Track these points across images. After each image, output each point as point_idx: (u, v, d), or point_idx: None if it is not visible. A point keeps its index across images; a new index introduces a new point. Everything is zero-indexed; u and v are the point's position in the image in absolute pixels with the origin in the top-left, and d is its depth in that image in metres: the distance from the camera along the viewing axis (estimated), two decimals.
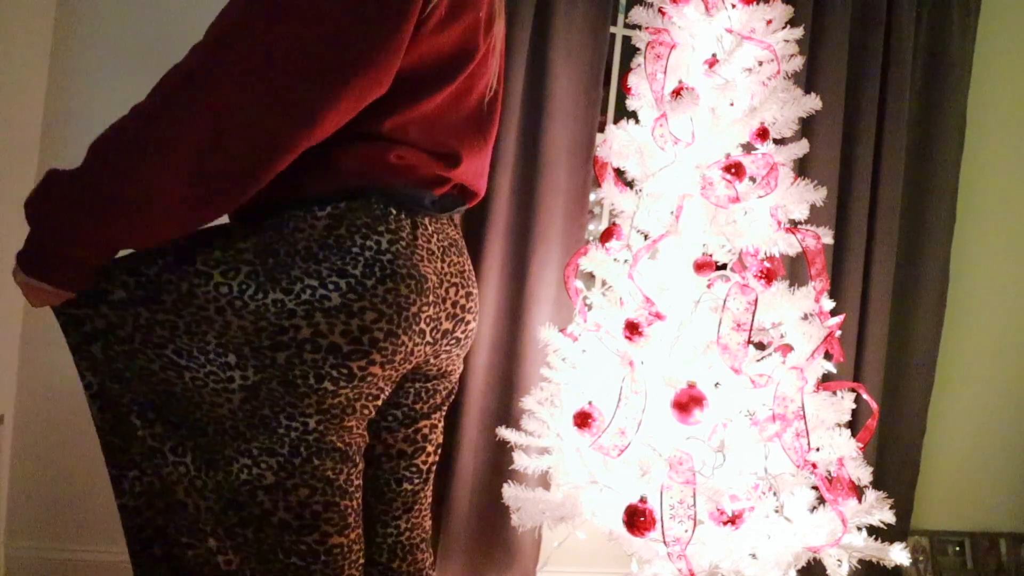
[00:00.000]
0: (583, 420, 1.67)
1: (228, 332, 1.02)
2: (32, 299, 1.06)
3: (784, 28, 1.82)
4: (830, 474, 1.69)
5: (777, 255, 1.73)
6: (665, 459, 1.57)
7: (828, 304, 1.81)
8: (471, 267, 1.24)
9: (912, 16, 2.50)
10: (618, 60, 2.58)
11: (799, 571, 1.69)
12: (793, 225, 1.80)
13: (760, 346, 1.76)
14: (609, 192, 1.90)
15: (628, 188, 1.90)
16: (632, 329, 1.68)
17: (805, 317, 1.74)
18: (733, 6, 1.80)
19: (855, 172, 2.49)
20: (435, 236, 1.13)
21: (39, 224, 0.98)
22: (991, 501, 2.78)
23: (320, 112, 0.96)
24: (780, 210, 1.76)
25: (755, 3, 1.81)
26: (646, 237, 1.83)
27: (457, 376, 1.31)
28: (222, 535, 1.09)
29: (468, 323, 1.21)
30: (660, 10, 1.83)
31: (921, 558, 2.65)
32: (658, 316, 1.67)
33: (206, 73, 0.92)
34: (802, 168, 2.39)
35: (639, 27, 1.86)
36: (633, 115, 1.90)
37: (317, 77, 0.94)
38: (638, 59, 1.85)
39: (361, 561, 1.13)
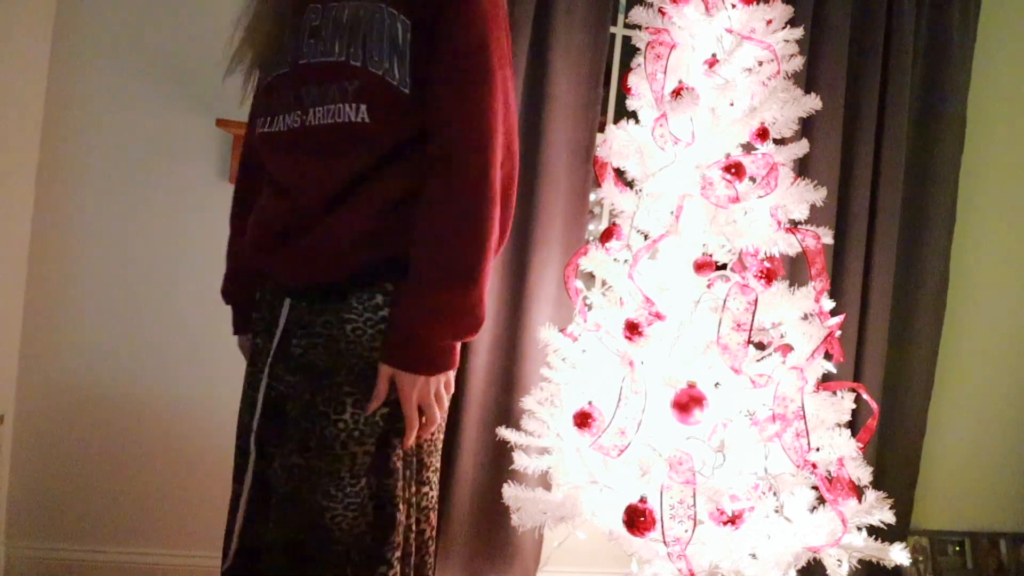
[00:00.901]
0: (583, 420, 1.67)
1: None
2: (439, 404, 1.16)
3: (784, 28, 1.82)
4: (830, 474, 1.69)
5: (777, 255, 1.73)
6: (665, 459, 1.57)
7: (828, 304, 1.81)
8: None
9: (912, 16, 2.50)
10: (618, 60, 2.58)
11: (799, 571, 1.69)
12: (793, 225, 1.80)
13: (760, 346, 1.76)
14: (609, 192, 1.90)
15: (628, 188, 1.90)
16: (632, 329, 1.68)
17: (805, 317, 1.74)
18: (733, 6, 1.80)
19: (855, 172, 2.49)
20: None
21: (443, 339, 1.12)
22: (991, 501, 2.77)
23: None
24: (780, 210, 1.75)
25: (755, 3, 1.81)
26: (646, 237, 1.83)
27: None
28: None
29: None
30: (660, 10, 1.83)
31: (921, 558, 2.65)
32: (658, 316, 1.67)
33: (491, 148, 1.10)
34: (802, 168, 2.39)
35: (639, 27, 1.85)
36: (633, 115, 1.90)
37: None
38: (638, 59, 1.85)
39: None
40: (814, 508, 1.73)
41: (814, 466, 1.61)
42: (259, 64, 1.20)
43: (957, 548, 2.70)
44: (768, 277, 1.71)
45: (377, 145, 1.10)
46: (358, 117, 1.07)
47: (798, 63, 1.82)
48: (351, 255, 1.13)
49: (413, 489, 1.21)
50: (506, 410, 2.31)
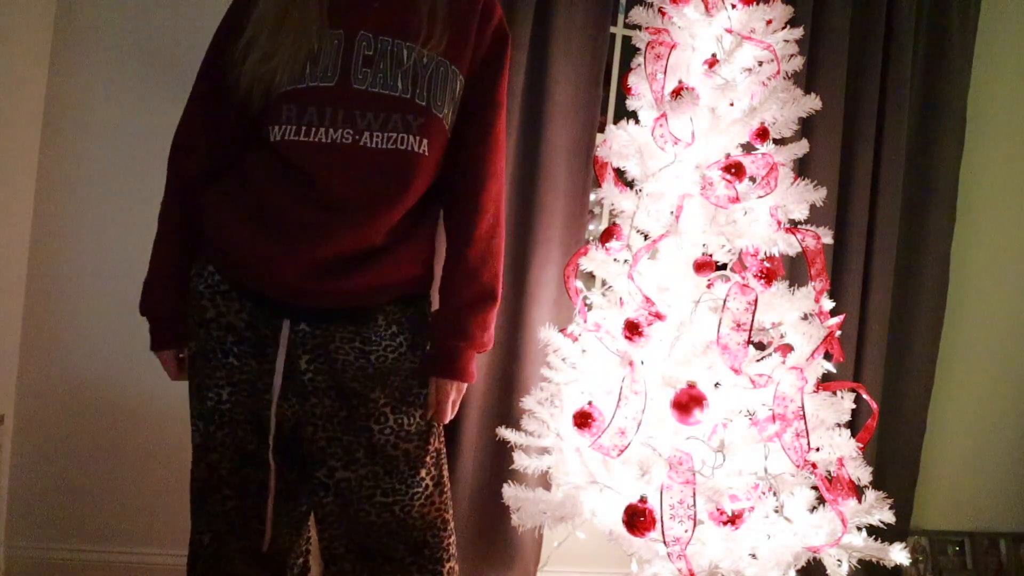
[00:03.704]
0: (583, 420, 1.67)
1: None
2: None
3: (784, 28, 1.82)
4: (830, 474, 1.69)
5: (777, 255, 1.73)
6: (665, 459, 1.58)
7: (828, 304, 1.81)
8: None
9: (912, 16, 2.50)
10: (618, 60, 2.58)
11: (799, 571, 1.69)
12: (793, 225, 1.80)
13: (760, 346, 1.76)
14: (609, 192, 1.90)
15: (628, 188, 1.90)
16: (632, 329, 1.68)
17: (805, 317, 1.74)
18: (733, 6, 1.80)
19: (855, 172, 2.49)
20: None
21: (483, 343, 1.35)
22: (991, 501, 2.77)
23: None
24: (780, 210, 1.75)
25: (755, 3, 1.81)
26: (646, 237, 1.83)
27: None
28: None
29: None
30: (660, 10, 1.83)
31: (921, 558, 2.65)
32: (658, 316, 1.67)
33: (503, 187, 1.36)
34: (802, 168, 2.39)
35: (639, 27, 1.85)
36: (633, 115, 1.90)
37: None
38: (638, 59, 1.85)
39: None
40: (814, 508, 1.73)
41: (814, 466, 1.61)
42: (275, 77, 1.19)
43: (957, 548, 2.70)
44: (768, 277, 1.71)
45: (430, 176, 1.26)
46: (420, 149, 1.21)
47: (798, 63, 1.82)
48: (410, 279, 1.33)
49: None
50: (506, 410, 2.31)
